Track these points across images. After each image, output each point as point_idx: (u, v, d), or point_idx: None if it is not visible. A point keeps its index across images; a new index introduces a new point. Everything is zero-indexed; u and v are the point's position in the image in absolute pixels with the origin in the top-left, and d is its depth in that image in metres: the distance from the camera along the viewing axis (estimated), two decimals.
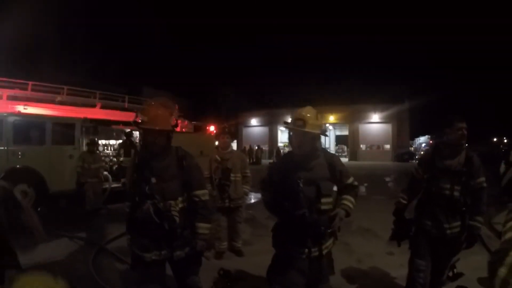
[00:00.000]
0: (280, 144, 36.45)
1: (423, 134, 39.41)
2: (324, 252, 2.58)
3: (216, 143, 5.51)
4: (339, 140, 41.92)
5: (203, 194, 2.79)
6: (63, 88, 10.02)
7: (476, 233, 3.14)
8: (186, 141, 10.37)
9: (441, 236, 3.13)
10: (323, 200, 2.56)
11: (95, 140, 8.64)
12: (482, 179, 3.17)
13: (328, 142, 41.14)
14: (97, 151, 8.91)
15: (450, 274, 3.31)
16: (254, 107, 38.85)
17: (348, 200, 2.63)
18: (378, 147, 35.33)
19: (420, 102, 33.02)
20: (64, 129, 8.73)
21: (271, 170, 2.77)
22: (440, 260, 3.27)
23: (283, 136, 36.45)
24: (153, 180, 2.59)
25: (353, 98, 35.02)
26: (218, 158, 5.07)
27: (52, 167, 8.31)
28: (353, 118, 35.50)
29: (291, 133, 2.66)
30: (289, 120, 2.75)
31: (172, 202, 2.64)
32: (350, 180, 2.72)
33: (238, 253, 5.23)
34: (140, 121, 2.60)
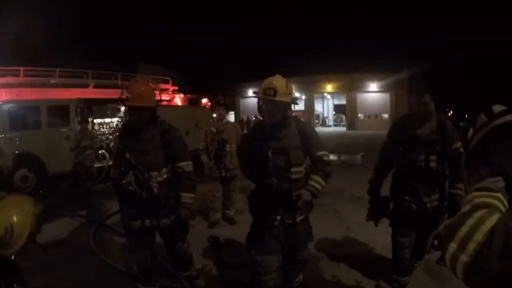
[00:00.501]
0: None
1: None
2: (298, 219, 2.63)
3: (214, 115, 5.62)
4: (337, 109, 41.75)
5: (186, 165, 2.95)
6: (55, 71, 9.98)
7: (457, 201, 2.99)
8: (181, 115, 10.50)
9: (421, 211, 3.04)
10: (293, 169, 2.55)
11: (85, 117, 8.61)
12: (458, 144, 3.05)
13: (327, 111, 41.06)
14: (90, 129, 8.85)
15: (436, 243, 3.16)
16: (251, 78, 38.47)
17: (315, 181, 2.57)
18: (376, 116, 35.18)
19: (419, 71, 32.43)
20: (59, 112, 8.80)
21: (243, 140, 2.87)
22: (423, 233, 3.21)
23: None
24: (127, 155, 2.73)
25: (350, 67, 34.50)
26: (214, 130, 5.22)
27: (49, 150, 8.42)
28: (351, 87, 35.21)
29: (261, 103, 2.59)
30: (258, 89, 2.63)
31: (156, 173, 2.79)
32: (321, 152, 2.64)
33: (230, 221, 5.45)
34: (125, 97, 2.71)
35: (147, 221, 2.83)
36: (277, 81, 2.53)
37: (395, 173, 3.25)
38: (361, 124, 34.68)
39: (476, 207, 0.93)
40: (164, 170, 2.88)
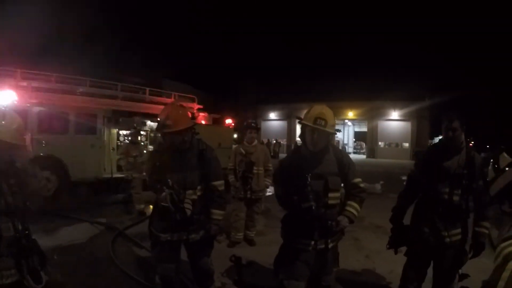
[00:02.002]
0: (298, 139, 35.97)
1: None
2: (330, 245, 2.63)
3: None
4: (358, 136, 41.37)
5: (220, 184, 3.02)
6: (85, 80, 10.23)
7: (483, 240, 2.86)
8: (205, 133, 10.44)
9: (440, 244, 2.88)
10: (331, 194, 2.60)
11: (138, 130, 8.52)
12: None
13: (347, 138, 40.67)
14: (142, 143, 8.73)
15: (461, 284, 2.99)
16: (273, 101, 38.61)
17: (352, 207, 2.66)
18: (397, 145, 34.74)
19: (442, 100, 31.93)
20: (86, 120, 8.96)
21: (281, 165, 2.88)
22: (443, 272, 2.98)
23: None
24: (164, 173, 2.76)
25: (372, 94, 34.29)
26: (243, 151, 5.27)
27: (74, 156, 8.51)
28: (372, 115, 34.89)
29: (305, 130, 2.61)
30: (303, 116, 2.66)
31: (191, 191, 2.84)
32: (357, 180, 2.73)
33: (251, 242, 5.41)
34: (165, 124, 2.76)
35: (176, 235, 2.86)
36: (327, 111, 2.59)
37: (417, 203, 3.14)
38: (381, 152, 34.21)
39: (506, 259, 0.94)
40: (198, 187, 2.93)
